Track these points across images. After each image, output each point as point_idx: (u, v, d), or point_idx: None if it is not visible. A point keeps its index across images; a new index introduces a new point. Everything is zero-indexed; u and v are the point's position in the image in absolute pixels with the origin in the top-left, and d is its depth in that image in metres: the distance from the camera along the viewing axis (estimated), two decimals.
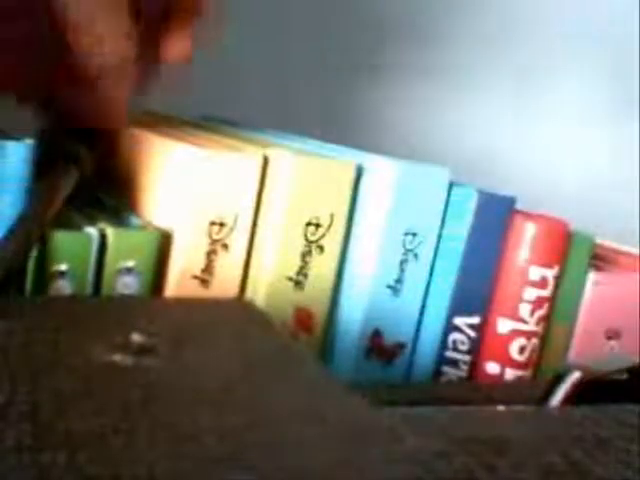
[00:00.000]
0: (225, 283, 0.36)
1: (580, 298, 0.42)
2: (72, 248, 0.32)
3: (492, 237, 0.40)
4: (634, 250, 0.45)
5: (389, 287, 0.39)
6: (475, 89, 0.75)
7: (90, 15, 0.25)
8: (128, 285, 0.34)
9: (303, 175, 0.36)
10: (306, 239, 0.37)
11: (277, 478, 0.17)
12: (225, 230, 0.35)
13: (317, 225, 0.37)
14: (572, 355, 0.43)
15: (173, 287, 0.35)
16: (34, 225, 0.31)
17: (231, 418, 0.20)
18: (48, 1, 0.24)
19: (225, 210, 0.35)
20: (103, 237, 0.33)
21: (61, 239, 0.32)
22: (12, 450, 0.17)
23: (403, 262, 0.39)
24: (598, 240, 0.44)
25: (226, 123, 0.51)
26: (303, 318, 0.38)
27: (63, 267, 0.32)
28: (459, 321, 0.40)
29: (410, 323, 0.40)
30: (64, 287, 0.32)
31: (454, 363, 0.41)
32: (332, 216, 0.37)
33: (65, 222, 0.34)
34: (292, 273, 0.37)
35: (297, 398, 0.22)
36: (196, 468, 0.17)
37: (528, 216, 0.40)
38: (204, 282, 0.35)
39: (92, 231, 0.33)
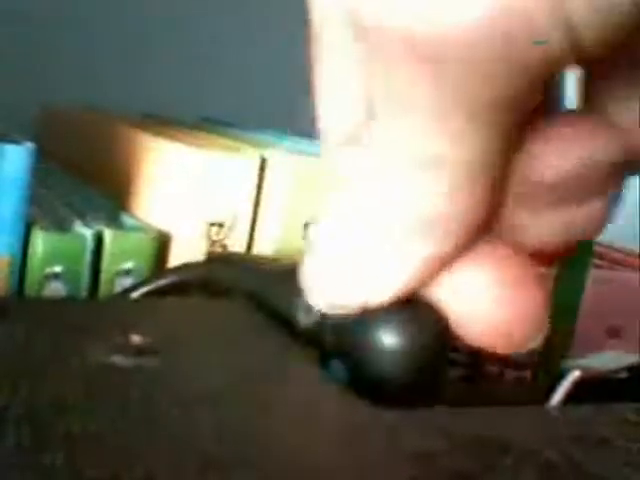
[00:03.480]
0: None
1: (580, 298, 0.42)
2: (66, 250, 0.32)
3: None
4: (634, 250, 0.45)
5: None
6: None
7: None
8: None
9: (302, 176, 0.36)
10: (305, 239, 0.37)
11: (277, 478, 0.17)
12: (224, 231, 0.35)
13: None
14: (572, 355, 0.43)
15: None
16: None
17: (231, 418, 0.20)
18: None
19: (224, 211, 0.35)
20: (99, 239, 0.33)
21: (55, 241, 0.32)
22: (12, 450, 0.17)
23: None
24: (598, 240, 0.44)
25: (224, 124, 0.51)
26: None
27: (57, 269, 0.32)
28: None
29: None
30: (58, 289, 0.32)
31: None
32: None
33: (60, 224, 0.34)
34: None
35: (297, 398, 0.22)
36: (196, 468, 0.17)
37: None
38: None
39: (86, 232, 0.33)
